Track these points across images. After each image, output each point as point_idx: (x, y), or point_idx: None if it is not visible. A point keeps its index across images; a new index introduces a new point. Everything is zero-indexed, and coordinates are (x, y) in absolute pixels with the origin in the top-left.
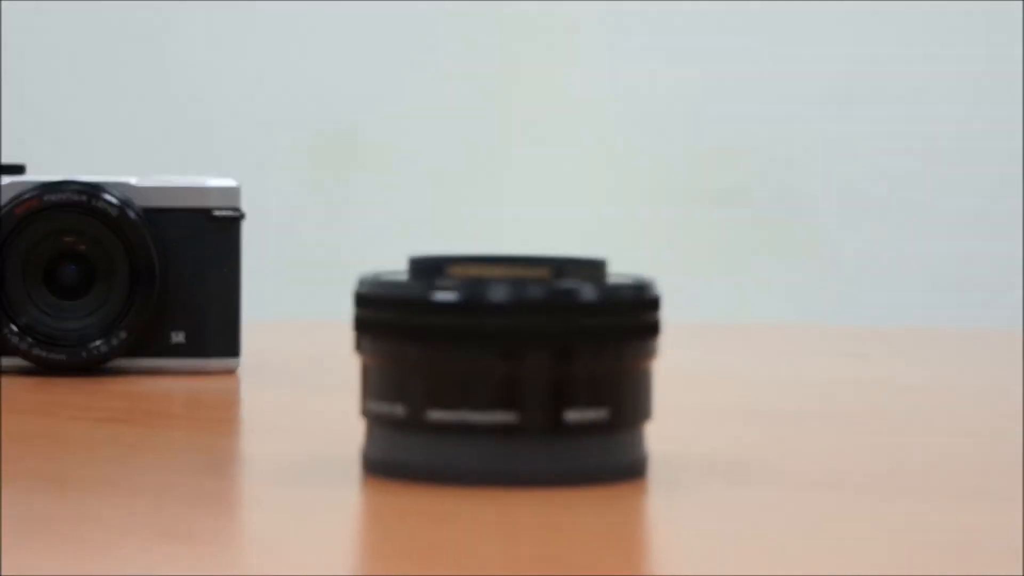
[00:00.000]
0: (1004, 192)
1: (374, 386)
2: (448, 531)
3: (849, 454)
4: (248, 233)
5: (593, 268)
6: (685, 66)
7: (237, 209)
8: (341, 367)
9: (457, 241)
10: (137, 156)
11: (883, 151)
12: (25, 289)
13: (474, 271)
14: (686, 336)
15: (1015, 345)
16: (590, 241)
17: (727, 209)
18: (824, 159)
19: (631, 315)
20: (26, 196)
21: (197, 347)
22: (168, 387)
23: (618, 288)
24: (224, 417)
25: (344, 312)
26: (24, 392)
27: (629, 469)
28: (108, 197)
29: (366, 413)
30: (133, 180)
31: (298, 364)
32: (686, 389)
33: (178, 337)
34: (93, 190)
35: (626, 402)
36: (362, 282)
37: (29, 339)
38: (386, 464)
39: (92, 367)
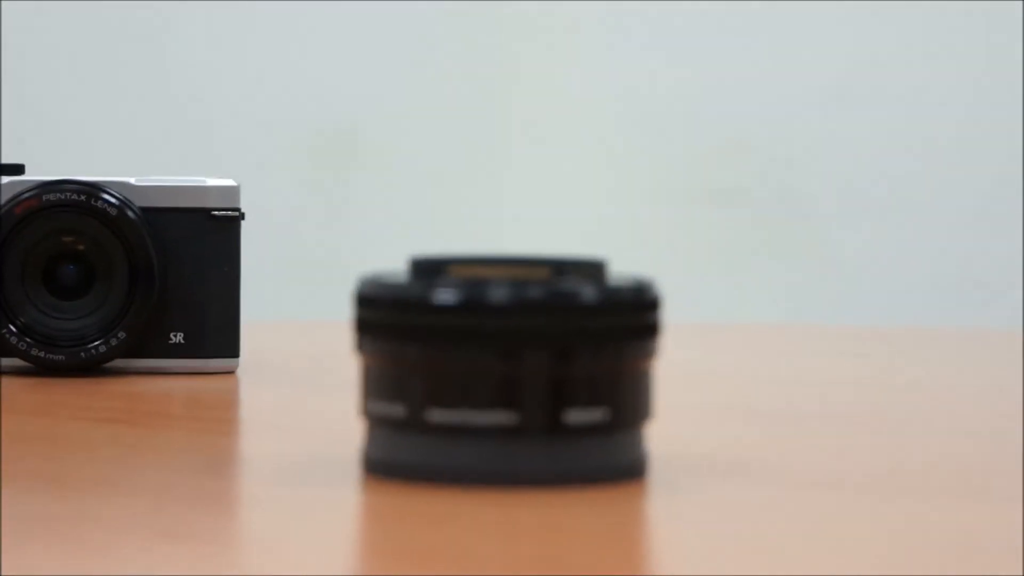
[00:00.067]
0: (1004, 192)
1: (374, 386)
2: (448, 531)
3: (849, 454)
4: (248, 233)
5: (593, 268)
6: (685, 66)
7: (237, 209)
8: (341, 367)
9: (457, 241)
10: (137, 156)
11: (883, 151)
12: (24, 289)
13: (474, 271)
14: (686, 336)
15: (1015, 345)
16: (590, 241)
17: (727, 209)
18: (824, 159)
19: (631, 315)
20: (25, 196)
21: (196, 347)
22: (167, 387)
23: (618, 289)
24: (224, 417)
25: (344, 312)
26: (23, 392)
27: (629, 469)
28: (107, 197)
29: (366, 413)
30: (132, 180)
31: (298, 364)
32: (686, 389)
33: (177, 337)
34: (92, 190)
35: (626, 402)
36: (362, 282)
37: (28, 339)
38: (386, 464)
39: (91, 367)
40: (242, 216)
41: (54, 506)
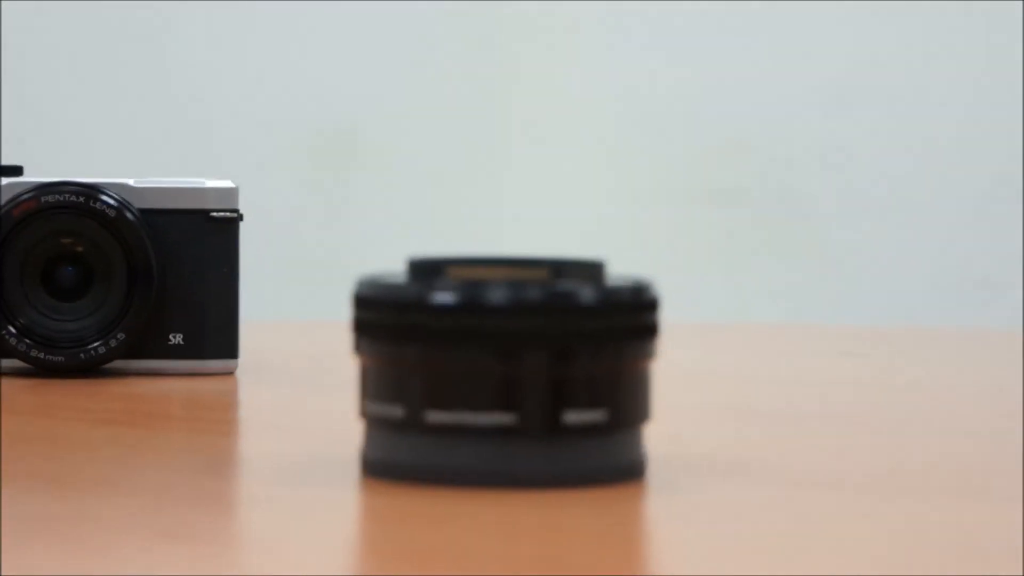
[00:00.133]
0: (1004, 192)
1: (373, 387)
2: (447, 532)
3: (849, 454)
4: (247, 233)
5: (592, 269)
6: (685, 66)
7: (235, 210)
8: (340, 368)
9: (457, 241)
10: (136, 157)
11: (883, 151)
12: (23, 290)
13: (473, 272)
14: (686, 336)
15: (1015, 345)
16: (589, 241)
17: (727, 209)
18: (824, 159)
19: (630, 316)
20: (24, 197)
21: (195, 348)
22: (167, 388)
23: (617, 289)
24: (223, 418)
25: (343, 312)
26: (22, 393)
27: (628, 470)
28: (106, 198)
29: (365, 414)
30: (131, 181)
31: (297, 365)
32: (686, 389)
33: (176, 338)
34: (91, 191)
35: (625, 403)
36: (361, 283)
37: (27, 340)
38: (385, 465)
39: (90, 368)
40: (240, 217)
41: (54, 506)
